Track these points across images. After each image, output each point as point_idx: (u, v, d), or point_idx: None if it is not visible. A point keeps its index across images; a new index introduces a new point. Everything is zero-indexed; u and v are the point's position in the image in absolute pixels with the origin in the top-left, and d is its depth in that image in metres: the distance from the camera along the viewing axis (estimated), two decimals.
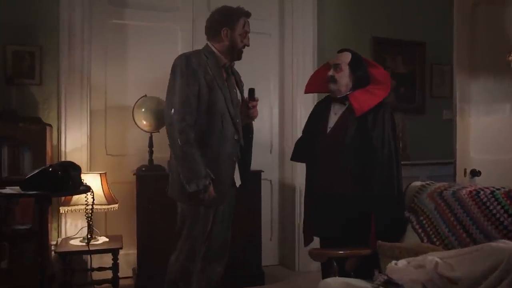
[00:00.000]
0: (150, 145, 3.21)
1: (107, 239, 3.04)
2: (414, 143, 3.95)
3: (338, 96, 2.39)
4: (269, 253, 3.74)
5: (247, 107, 2.35)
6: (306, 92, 2.65)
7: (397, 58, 3.98)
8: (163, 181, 3.05)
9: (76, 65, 3.17)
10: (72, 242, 2.96)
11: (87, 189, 2.00)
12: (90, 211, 2.21)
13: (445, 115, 4.18)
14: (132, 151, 3.48)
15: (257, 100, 2.36)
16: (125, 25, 3.49)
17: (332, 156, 2.31)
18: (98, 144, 3.38)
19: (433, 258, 1.72)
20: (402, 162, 3.74)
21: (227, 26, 2.29)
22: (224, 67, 2.32)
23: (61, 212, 2.96)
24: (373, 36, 3.91)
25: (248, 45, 2.34)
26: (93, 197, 2.22)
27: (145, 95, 3.19)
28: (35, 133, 2.78)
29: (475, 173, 3.03)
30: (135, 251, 3.13)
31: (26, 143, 2.77)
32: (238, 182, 2.36)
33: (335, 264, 2.14)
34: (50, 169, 1.82)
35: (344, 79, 2.36)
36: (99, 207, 2.91)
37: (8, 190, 1.87)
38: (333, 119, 2.39)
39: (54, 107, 3.15)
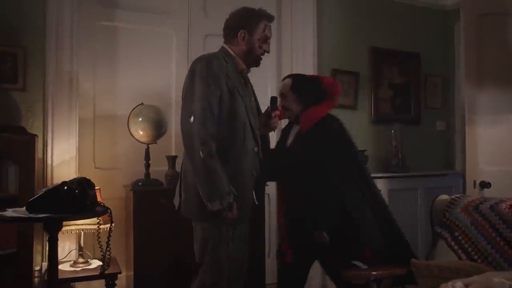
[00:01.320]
0: (147, 157, 2.93)
1: (101, 263, 2.72)
2: (411, 155, 3.90)
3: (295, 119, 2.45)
4: (267, 271, 3.53)
5: (268, 117, 2.20)
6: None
7: (393, 68, 3.95)
8: (163, 196, 2.84)
9: (64, 69, 2.86)
10: (60, 267, 2.62)
11: (105, 210, 1.73)
12: (108, 235, 1.92)
13: (439, 126, 4.19)
14: (122, 164, 3.19)
15: (279, 110, 2.24)
16: (115, 27, 3.22)
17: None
18: (86, 157, 3.07)
19: (501, 280, 1.60)
20: (401, 174, 3.76)
21: (245, 29, 2.12)
22: (241, 73, 2.15)
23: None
24: (371, 46, 3.85)
25: (268, 52, 2.18)
26: (111, 219, 1.94)
27: (142, 103, 2.92)
28: (21, 144, 2.45)
29: (484, 185, 2.99)
30: (128, 274, 2.84)
31: (11, 156, 2.43)
32: (256, 199, 2.19)
33: (375, 286, 1.99)
34: (65, 187, 1.54)
35: (292, 104, 2.42)
36: (91, 227, 2.62)
37: (10, 212, 1.58)
38: (290, 140, 2.46)
39: (39, 116, 2.82)
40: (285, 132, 2.56)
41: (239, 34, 2.12)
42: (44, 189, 1.61)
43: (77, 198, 1.55)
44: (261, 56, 2.16)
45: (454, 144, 4.19)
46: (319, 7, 3.65)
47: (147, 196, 2.81)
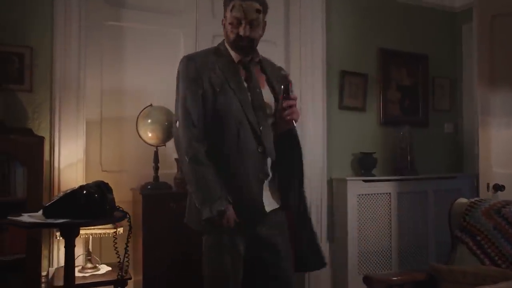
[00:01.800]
0: (156, 160, 2.86)
1: (110, 268, 2.66)
2: (419, 157, 3.87)
3: None
4: None
5: (281, 108, 1.84)
6: None
7: (402, 70, 3.91)
8: (172, 200, 2.77)
9: (72, 69, 2.80)
10: None
11: (124, 215, 1.66)
12: (127, 241, 1.85)
13: (446, 128, 4.16)
14: (129, 167, 3.13)
15: (294, 98, 1.84)
16: (123, 27, 3.16)
17: None
18: (93, 159, 3.00)
19: None
20: (410, 177, 3.72)
21: (224, 15, 1.91)
22: (241, 64, 1.88)
23: (58, 237, 2.55)
24: (379, 47, 3.82)
25: (247, 36, 1.81)
26: (130, 224, 1.87)
27: (151, 104, 2.86)
28: (29, 146, 2.38)
29: (498, 188, 2.96)
30: (136, 279, 2.78)
31: (19, 158, 2.36)
32: (270, 206, 1.88)
33: None
34: (85, 191, 1.48)
35: None
36: (101, 231, 2.55)
37: (27, 218, 1.51)
38: None
39: (46, 117, 2.75)
40: None
41: (222, 21, 1.93)
42: (61, 193, 1.54)
43: (97, 202, 1.48)
44: (241, 43, 1.82)
45: (462, 146, 4.16)
46: (328, 5, 3.62)
47: (156, 199, 2.75)
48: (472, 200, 2.25)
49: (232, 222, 1.75)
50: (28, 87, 2.69)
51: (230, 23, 1.83)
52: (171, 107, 3.08)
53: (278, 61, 3.68)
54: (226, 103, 1.78)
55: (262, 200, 1.83)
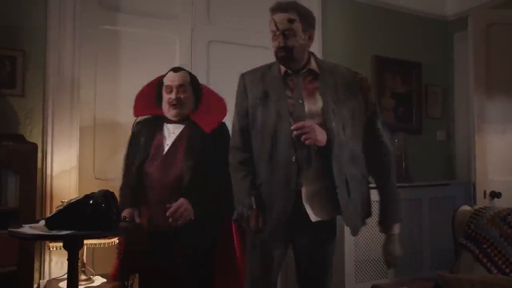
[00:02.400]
0: None
1: (104, 280, 2.57)
2: (412, 164, 3.88)
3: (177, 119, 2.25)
4: None
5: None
6: (137, 115, 2.38)
7: (396, 77, 3.93)
8: None
9: (65, 74, 2.71)
10: (61, 284, 2.45)
11: (131, 226, 1.59)
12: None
13: (439, 136, 4.19)
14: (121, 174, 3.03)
15: (297, 127, 1.79)
16: (118, 31, 3.08)
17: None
18: (86, 167, 2.90)
19: None
20: (405, 185, 3.72)
21: None
22: (288, 75, 1.92)
23: (51, 248, 2.45)
24: (374, 55, 3.83)
25: (283, 46, 1.86)
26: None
27: None
28: (22, 153, 2.28)
29: (495, 195, 2.98)
30: None
31: (11, 166, 2.26)
32: (313, 217, 1.86)
33: None
34: (91, 201, 1.41)
35: (189, 101, 2.27)
36: (95, 241, 2.46)
37: (28, 229, 1.43)
38: (169, 140, 2.24)
39: (38, 123, 2.65)
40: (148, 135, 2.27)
41: None
42: (65, 203, 1.46)
43: (103, 213, 1.41)
44: (279, 54, 1.89)
45: (454, 154, 4.20)
46: (323, 13, 3.62)
47: None
48: (476, 207, 2.25)
49: (254, 227, 1.84)
50: (20, 91, 2.60)
51: (272, 38, 1.92)
52: None
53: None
54: (265, 114, 1.88)
55: (292, 210, 1.82)
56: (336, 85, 1.90)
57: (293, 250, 1.96)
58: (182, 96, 2.23)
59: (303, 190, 1.82)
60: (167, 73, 2.34)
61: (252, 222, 1.85)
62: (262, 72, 1.96)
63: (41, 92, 2.66)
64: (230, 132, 2.08)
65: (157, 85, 2.34)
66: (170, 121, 2.27)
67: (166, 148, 2.21)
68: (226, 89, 3.42)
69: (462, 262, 2.14)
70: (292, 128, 1.78)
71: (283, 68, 1.92)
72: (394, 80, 3.94)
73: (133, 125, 2.36)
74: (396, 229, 1.96)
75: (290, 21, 1.84)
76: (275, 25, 1.86)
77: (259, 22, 3.60)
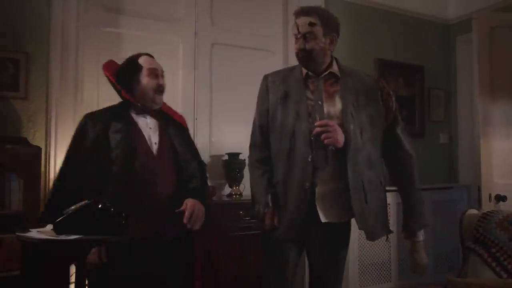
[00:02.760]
0: None
1: None
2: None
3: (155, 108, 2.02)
4: None
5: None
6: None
7: (398, 80, 3.93)
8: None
9: (69, 77, 2.69)
10: None
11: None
12: None
13: (442, 139, 4.18)
14: None
15: (322, 125, 1.78)
16: (120, 34, 3.07)
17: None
18: None
19: None
20: None
21: None
22: (309, 77, 1.92)
23: None
24: (376, 58, 3.82)
25: (303, 48, 1.87)
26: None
27: None
28: (26, 157, 2.26)
29: (500, 198, 2.97)
30: None
31: (15, 170, 2.24)
32: (323, 218, 1.83)
33: None
34: (100, 205, 1.39)
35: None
36: None
37: (36, 233, 1.40)
38: (154, 136, 1.99)
39: (41, 126, 2.63)
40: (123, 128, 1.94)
41: None
42: (72, 207, 1.44)
43: (112, 217, 1.39)
44: (299, 55, 1.89)
45: (457, 157, 4.19)
46: None
47: None
48: (484, 211, 2.23)
49: (270, 225, 1.85)
50: (23, 94, 2.58)
51: (294, 41, 1.92)
52: None
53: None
54: (284, 114, 1.89)
55: (306, 210, 1.81)
56: (356, 89, 1.91)
57: (306, 251, 1.96)
58: (161, 83, 2.02)
59: (317, 190, 1.82)
60: (138, 56, 2.06)
61: (268, 220, 1.86)
62: (285, 74, 1.99)
63: (44, 94, 2.64)
64: (251, 131, 2.03)
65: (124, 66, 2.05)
66: (139, 112, 1.98)
67: (156, 147, 1.96)
68: (229, 91, 3.44)
69: (471, 266, 2.12)
70: (315, 124, 1.78)
71: (304, 71, 1.94)
72: (397, 83, 3.93)
73: (82, 119, 2.00)
74: (421, 236, 1.96)
75: (311, 24, 1.87)
76: (297, 28, 1.89)
77: (262, 25, 3.62)
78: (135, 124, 1.97)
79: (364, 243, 3.44)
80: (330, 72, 1.92)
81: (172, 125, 2.06)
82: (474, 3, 3.85)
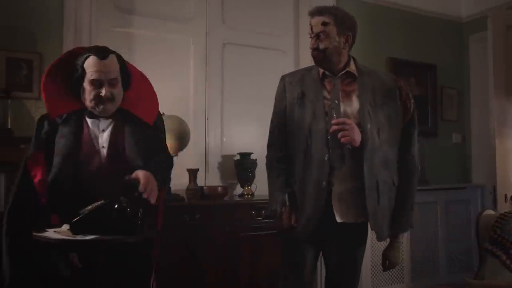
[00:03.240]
0: None
1: None
2: (428, 167, 3.83)
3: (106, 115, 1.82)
4: None
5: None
6: (54, 115, 1.81)
7: (410, 79, 3.89)
8: (185, 213, 2.67)
9: None
10: None
11: (156, 232, 1.57)
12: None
13: (455, 138, 4.14)
14: None
15: (339, 123, 1.77)
16: (131, 34, 3.07)
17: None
18: None
19: None
20: (421, 188, 3.67)
21: None
22: (325, 76, 1.90)
23: None
24: (388, 57, 3.79)
25: (315, 47, 1.87)
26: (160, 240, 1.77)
27: (163, 113, 2.76)
28: None
29: None
30: None
31: None
32: (339, 218, 1.82)
33: None
34: (116, 205, 1.38)
35: (120, 92, 1.82)
36: None
37: (52, 233, 1.40)
38: (103, 140, 1.81)
39: None
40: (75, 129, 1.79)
41: None
42: (89, 207, 1.44)
43: (129, 218, 1.38)
44: (313, 54, 1.89)
45: (470, 157, 4.14)
46: None
47: (169, 212, 2.63)
48: (502, 212, 2.20)
49: (287, 224, 1.85)
50: (37, 94, 2.59)
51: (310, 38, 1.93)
52: (183, 115, 3.03)
53: (287, 70, 3.62)
54: (301, 113, 1.89)
55: (323, 209, 1.80)
56: (374, 89, 1.88)
57: (322, 251, 1.95)
58: (114, 90, 1.77)
59: (333, 190, 1.81)
60: (86, 58, 1.79)
61: (285, 219, 1.86)
62: (302, 74, 1.98)
63: None
64: (268, 130, 2.00)
65: (68, 68, 1.84)
66: (90, 115, 1.82)
67: (104, 152, 1.78)
68: (240, 91, 3.43)
69: (489, 268, 2.09)
70: (332, 122, 1.77)
71: (321, 70, 1.92)
72: (409, 82, 3.89)
73: (39, 120, 1.87)
74: (401, 238, 1.99)
75: (324, 24, 1.86)
76: (311, 28, 1.90)
77: (274, 25, 3.60)
78: (84, 128, 1.80)
79: (377, 244, 3.41)
80: (347, 72, 1.91)
81: (130, 122, 1.83)
82: (487, 1, 3.80)
